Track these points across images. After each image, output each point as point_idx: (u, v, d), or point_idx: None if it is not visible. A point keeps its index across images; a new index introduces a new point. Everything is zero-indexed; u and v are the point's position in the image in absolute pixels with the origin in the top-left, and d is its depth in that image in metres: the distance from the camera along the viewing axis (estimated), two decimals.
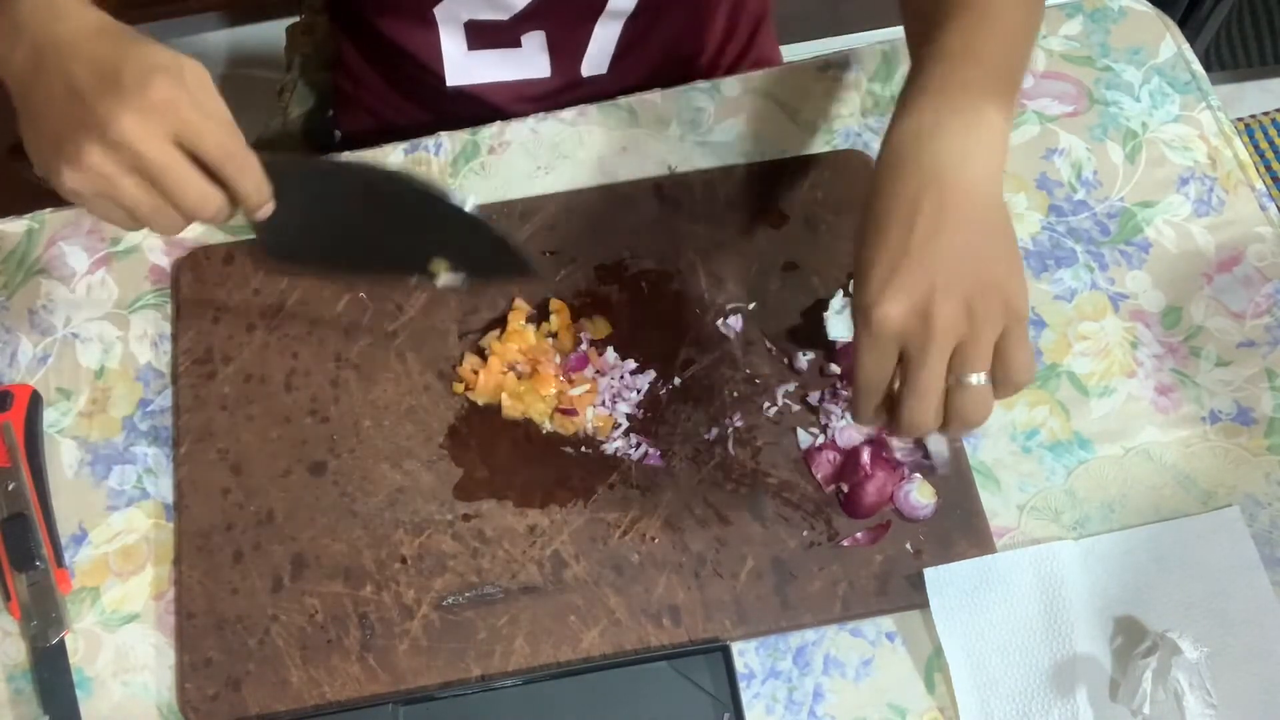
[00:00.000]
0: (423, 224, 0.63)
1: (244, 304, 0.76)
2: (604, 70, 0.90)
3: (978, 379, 0.55)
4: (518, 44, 0.86)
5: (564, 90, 0.90)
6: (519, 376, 0.73)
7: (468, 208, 0.62)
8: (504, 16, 0.83)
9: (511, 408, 0.72)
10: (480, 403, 0.73)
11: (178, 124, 0.55)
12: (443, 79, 0.88)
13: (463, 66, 0.88)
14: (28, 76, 0.56)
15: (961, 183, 0.55)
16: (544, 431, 0.72)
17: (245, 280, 0.77)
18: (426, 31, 0.85)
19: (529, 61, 0.88)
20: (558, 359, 0.73)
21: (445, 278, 0.65)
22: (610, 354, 0.73)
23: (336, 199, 0.63)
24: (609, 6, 0.84)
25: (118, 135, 0.53)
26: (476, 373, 0.73)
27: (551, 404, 0.72)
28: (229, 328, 0.76)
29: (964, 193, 0.55)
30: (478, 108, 0.90)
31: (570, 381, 0.72)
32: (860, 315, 0.55)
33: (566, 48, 0.87)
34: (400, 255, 0.65)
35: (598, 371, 0.73)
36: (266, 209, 0.59)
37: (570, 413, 0.71)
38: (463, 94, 0.90)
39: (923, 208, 0.54)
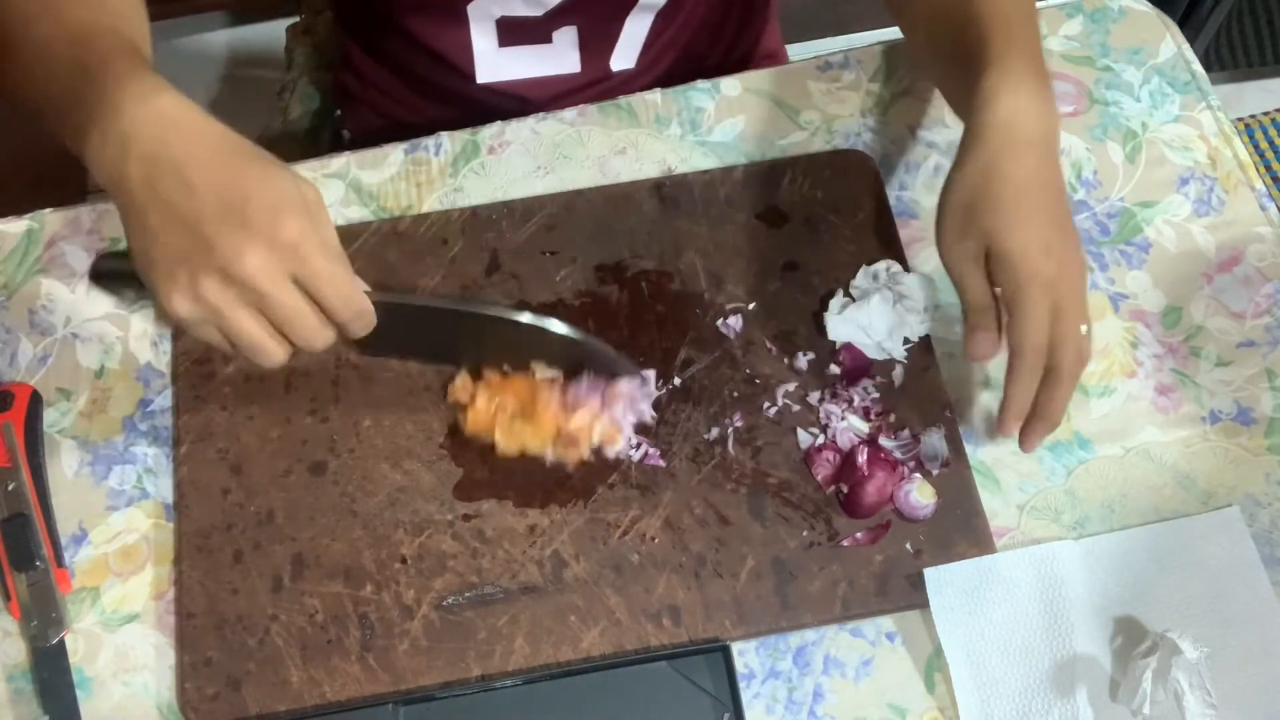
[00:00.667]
0: (518, 339, 0.66)
1: None
2: (632, 65, 0.90)
3: (1087, 328, 0.65)
4: (549, 40, 0.86)
5: (592, 85, 0.91)
6: (512, 416, 0.70)
7: (562, 330, 0.65)
8: (538, 13, 0.83)
9: (506, 445, 0.70)
10: (469, 435, 0.71)
11: (301, 268, 0.54)
12: (471, 76, 0.88)
13: (493, 63, 0.88)
14: (141, 192, 0.54)
15: (1056, 154, 0.66)
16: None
17: None
18: (458, 29, 0.85)
19: (559, 57, 0.88)
20: (557, 395, 0.70)
21: (543, 372, 0.69)
22: (622, 383, 0.70)
23: (428, 325, 0.65)
24: (641, 0, 0.84)
25: (241, 272, 0.53)
26: (472, 399, 0.70)
27: (551, 436, 0.70)
28: None
29: (1057, 165, 0.67)
30: (504, 103, 0.90)
31: (569, 412, 0.69)
32: (1029, 280, 0.63)
33: (597, 43, 0.88)
34: (495, 355, 0.68)
35: (606, 404, 0.70)
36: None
37: (573, 441, 0.70)
38: (490, 90, 0.89)
39: (1048, 184, 0.65)
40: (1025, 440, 0.68)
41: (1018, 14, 0.68)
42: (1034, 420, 0.67)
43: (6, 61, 0.61)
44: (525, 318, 0.64)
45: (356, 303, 0.57)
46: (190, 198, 0.53)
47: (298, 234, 0.54)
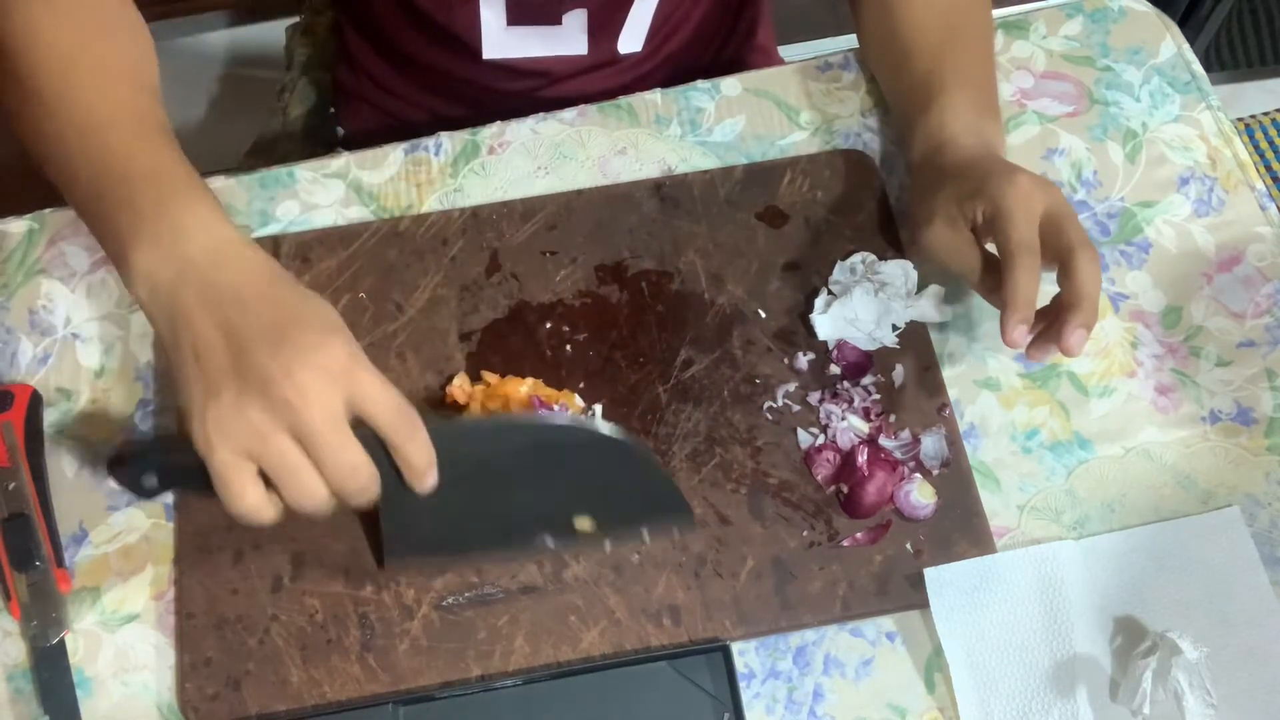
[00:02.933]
0: (569, 471, 0.63)
1: None
2: (639, 48, 0.91)
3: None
4: (559, 21, 0.87)
5: (598, 66, 0.91)
6: None
7: (614, 434, 0.62)
8: None
9: None
10: None
11: (353, 388, 0.55)
12: (478, 53, 0.88)
13: (500, 41, 0.88)
14: (196, 311, 0.56)
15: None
16: None
17: None
18: (466, 4, 0.85)
19: (567, 39, 0.88)
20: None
21: (589, 533, 0.66)
22: None
23: (477, 460, 0.62)
24: None
25: (289, 392, 0.53)
26: (468, 401, 0.71)
27: None
28: None
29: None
30: (511, 82, 0.90)
31: None
32: (1021, 210, 0.64)
33: (606, 26, 0.88)
34: (536, 516, 0.65)
35: None
36: (430, 479, 0.58)
37: None
38: (496, 67, 0.90)
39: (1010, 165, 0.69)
40: (1067, 338, 0.62)
41: (987, 66, 0.74)
42: (1069, 312, 0.63)
43: (37, 116, 0.64)
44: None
45: (411, 422, 0.57)
46: (237, 323, 0.55)
47: (348, 357, 0.55)
